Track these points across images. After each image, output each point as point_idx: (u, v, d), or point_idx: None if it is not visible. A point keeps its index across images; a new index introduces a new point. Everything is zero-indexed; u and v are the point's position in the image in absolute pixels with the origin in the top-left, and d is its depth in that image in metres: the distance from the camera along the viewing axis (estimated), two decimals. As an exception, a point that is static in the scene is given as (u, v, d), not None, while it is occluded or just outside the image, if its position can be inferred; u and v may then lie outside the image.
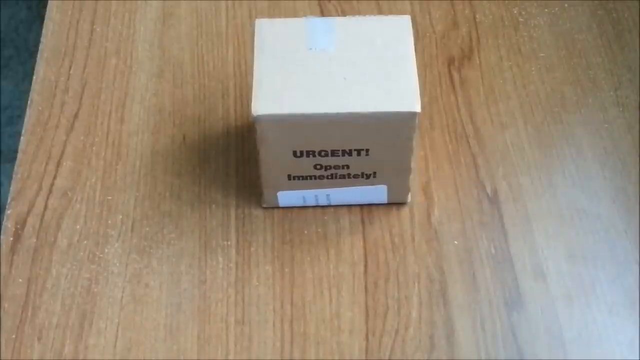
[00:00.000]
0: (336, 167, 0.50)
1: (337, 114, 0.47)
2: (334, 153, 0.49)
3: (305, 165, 0.50)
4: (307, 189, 0.52)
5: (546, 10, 0.65)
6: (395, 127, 0.48)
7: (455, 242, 0.53)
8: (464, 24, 0.65)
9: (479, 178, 0.56)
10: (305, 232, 0.54)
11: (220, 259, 0.53)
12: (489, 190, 0.56)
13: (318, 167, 0.50)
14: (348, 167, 0.51)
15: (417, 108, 0.47)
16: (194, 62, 0.62)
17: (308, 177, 0.51)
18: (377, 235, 0.54)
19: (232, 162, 0.57)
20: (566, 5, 0.65)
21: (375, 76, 0.48)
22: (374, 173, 0.51)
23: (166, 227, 0.54)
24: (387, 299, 0.51)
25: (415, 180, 0.56)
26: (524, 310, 0.51)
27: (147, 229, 0.54)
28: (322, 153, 0.49)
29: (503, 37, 0.64)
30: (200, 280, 0.52)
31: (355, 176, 0.51)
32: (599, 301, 0.51)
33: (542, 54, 0.63)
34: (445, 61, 0.62)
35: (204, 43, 0.63)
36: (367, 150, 0.49)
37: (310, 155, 0.50)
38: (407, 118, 0.48)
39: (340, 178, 0.51)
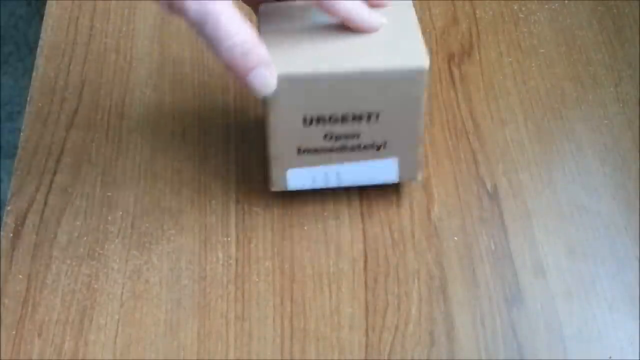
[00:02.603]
0: (346, 136, 0.50)
1: (346, 72, 0.48)
2: (344, 118, 0.49)
3: (315, 136, 0.50)
4: (316, 165, 0.52)
5: (546, 6, 0.65)
6: (404, 84, 0.48)
7: (455, 238, 0.54)
8: (464, 20, 0.65)
9: (478, 174, 0.56)
10: (305, 228, 0.54)
11: (220, 255, 0.53)
12: (488, 186, 0.56)
13: (328, 137, 0.50)
14: (358, 136, 0.50)
15: (426, 64, 0.48)
16: (193, 58, 0.62)
17: (318, 150, 0.51)
18: (376, 231, 0.54)
19: (232, 158, 0.57)
20: (566, 1, 0.65)
21: (382, 38, 0.49)
22: (385, 143, 0.51)
23: (166, 223, 0.54)
24: (387, 295, 0.51)
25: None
26: (523, 307, 0.51)
27: (147, 225, 0.54)
28: (332, 119, 0.49)
29: (503, 33, 0.64)
30: (200, 277, 0.52)
31: (366, 147, 0.51)
32: (599, 298, 0.51)
33: (542, 50, 0.63)
34: (445, 57, 0.62)
35: (204, 39, 0.63)
36: (377, 115, 0.49)
37: (320, 122, 0.49)
38: (415, 74, 0.48)
39: (350, 150, 0.51)
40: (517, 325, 0.50)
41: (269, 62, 0.46)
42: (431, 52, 0.62)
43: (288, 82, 0.47)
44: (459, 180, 0.56)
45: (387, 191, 0.55)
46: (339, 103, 0.49)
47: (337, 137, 0.50)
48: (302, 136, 0.50)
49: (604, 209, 0.55)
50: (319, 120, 0.49)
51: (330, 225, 0.54)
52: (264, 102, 0.49)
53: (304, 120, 0.49)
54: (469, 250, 0.53)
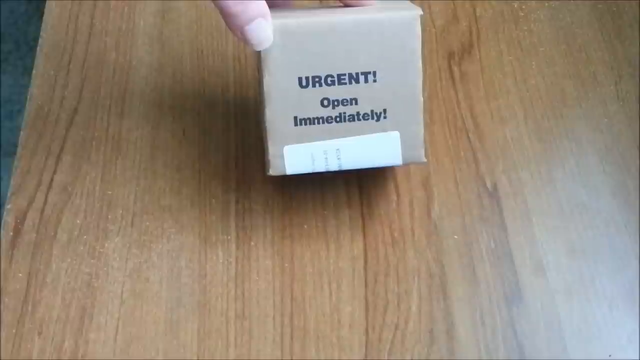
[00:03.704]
0: (344, 102, 0.50)
1: (340, 21, 0.48)
2: (340, 79, 0.49)
3: (312, 101, 0.49)
4: (315, 141, 0.50)
5: (546, 4, 0.65)
6: (398, 33, 0.48)
7: (455, 236, 0.54)
8: (464, 18, 0.64)
9: (478, 173, 0.56)
10: (305, 226, 0.54)
11: (220, 254, 0.53)
12: (488, 184, 0.56)
13: (325, 102, 0.49)
14: (356, 101, 0.50)
15: (418, 11, 0.48)
16: (193, 56, 0.62)
17: (315, 120, 0.50)
18: (377, 229, 0.54)
19: (232, 156, 0.57)
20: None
21: (375, 7, 0.51)
22: (384, 111, 0.50)
23: (166, 221, 0.54)
24: (387, 294, 0.51)
25: (415, 175, 0.56)
26: (523, 305, 0.51)
27: (147, 223, 0.54)
28: (329, 80, 0.49)
29: (503, 32, 0.64)
30: (200, 275, 0.52)
31: (365, 116, 0.50)
32: (598, 295, 0.51)
33: (542, 48, 0.63)
34: (445, 55, 0.62)
35: (204, 37, 0.63)
36: (374, 74, 0.49)
37: (317, 84, 0.49)
38: (409, 20, 0.48)
39: (349, 120, 0.50)
40: (517, 323, 0.50)
41: (268, 15, 0.47)
42: (431, 51, 0.62)
43: (283, 35, 0.47)
44: (459, 178, 0.56)
45: (387, 189, 0.56)
46: (334, 61, 0.49)
47: (335, 104, 0.49)
48: (298, 102, 0.49)
49: (604, 207, 0.55)
50: (315, 81, 0.49)
51: (330, 223, 0.54)
52: (259, 65, 0.49)
53: (300, 81, 0.49)
54: (468, 249, 0.53)
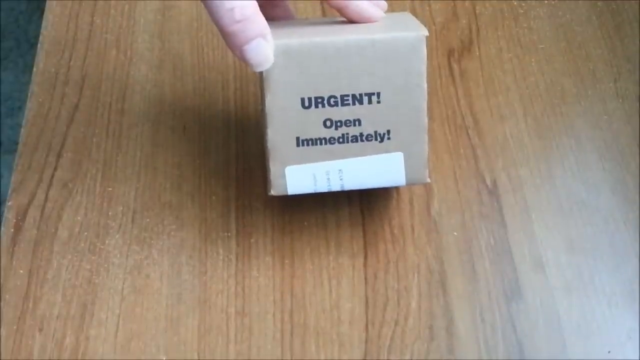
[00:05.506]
0: (347, 123, 0.49)
1: (343, 41, 0.47)
2: (344, 100, 0.48)
3: (315, 122, 0.49)
4: (317, 161, 0.50)
5: (546, 2, 0.65)
6: (403, 54, 0.48)
7: (455, 233, 0.54)
8: (464, 15, 0.65)
9: (478, 169, 0.56)
10: (305, 223, 0.54)
11: (221, 251, 0.53)
12: (488, 181, 0.56)
13: (328, 123, 0.49)
14: (360, 122, 0.49)
15: (424, 32, 0.48)
16: (194, 53, 0.62)
17: (318, 141, 0.49)
18: (376, 226, 0.54)
19: (232, 153, 0.57)
20: (566, -4, 0.66)
21: (380, 25, 0.50)
22: (388, 132, 0.49)
23: (166, 218, 0.54)
24: (387, 290, 0.51)
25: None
26: (523, 301, 0.51)
27: (148, 220, 0.54)
28: (332, 101, 0.48)
29: (503, 29, 0.64)
30: (200, 272, 0.52)
31: (369, 137, 0.49)
32: (597, 292, 0.51)
33: (541, 46, 0.63)
34: (445, 53, 0.62)
35: (204, 34, 0.63)
36: (378, 95, 0.48)
37: (320, 105, 0.48)
38: (414, 41, 0.48)
39: (352, 141, 0.49)
40: (516, 320, 0.50)
41: (268, 35, 0.45)
42: (431, 48, 0.62)
43: (285, 55, 0.47)
44: (458, 175, 0.56)
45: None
46: (338, 82, 0.48)
47: (338, 124, 0.49)
48: (301, 122, 0.49)
49: (603, 204, 0.55)
50: (318, 102, 0.48)
51: (330, 220, 0.54)
52: (261, 84, 0.48)
53: (302, 102, 0.48)
54: (468, 246, 0.53)
